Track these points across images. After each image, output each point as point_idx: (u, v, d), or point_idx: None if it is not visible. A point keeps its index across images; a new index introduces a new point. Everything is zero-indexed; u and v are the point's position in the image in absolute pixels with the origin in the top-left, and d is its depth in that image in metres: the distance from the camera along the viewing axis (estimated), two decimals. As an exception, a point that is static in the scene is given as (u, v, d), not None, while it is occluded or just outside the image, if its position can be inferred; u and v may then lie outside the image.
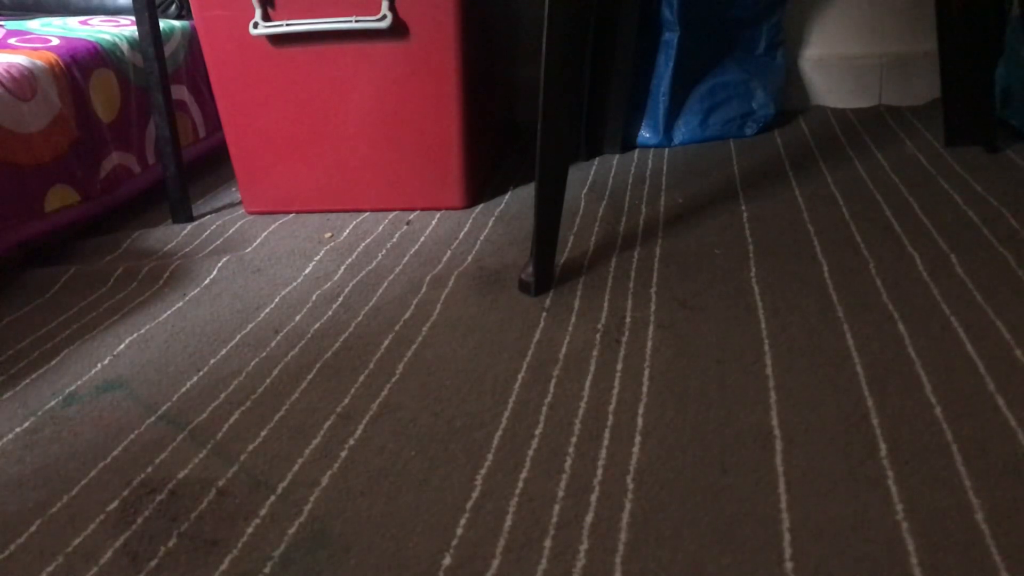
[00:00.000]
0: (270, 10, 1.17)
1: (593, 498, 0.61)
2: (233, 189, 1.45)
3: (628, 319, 0.87)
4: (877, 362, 0.75)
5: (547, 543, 0.57)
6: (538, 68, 0.87)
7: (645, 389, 0.74)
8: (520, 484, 0.64)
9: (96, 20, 1.48)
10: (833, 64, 1.64)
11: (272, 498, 0.65)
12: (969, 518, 0.56)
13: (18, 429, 0.77)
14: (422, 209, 1.27)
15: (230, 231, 1.24)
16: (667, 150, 1.48)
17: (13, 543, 0.62)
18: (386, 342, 0.87)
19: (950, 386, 0.71)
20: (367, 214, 1.27)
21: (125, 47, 1.35)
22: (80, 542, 0.62)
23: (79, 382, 0.85)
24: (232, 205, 1.36)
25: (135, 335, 0.93)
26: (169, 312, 0.98)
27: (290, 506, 0.63)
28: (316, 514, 0.62)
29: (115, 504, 0.65)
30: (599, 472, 0.64)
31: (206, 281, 1.06)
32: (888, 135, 1.43)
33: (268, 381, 0.82)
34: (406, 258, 1.09)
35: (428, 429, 0.72)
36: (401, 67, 1.18)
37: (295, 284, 1.03)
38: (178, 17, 1.56)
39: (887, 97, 1.63)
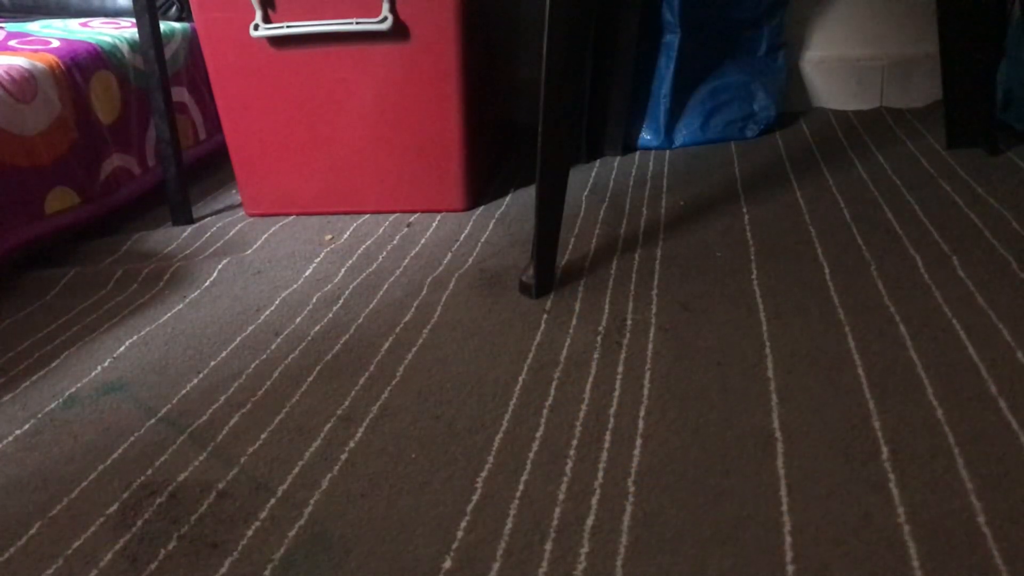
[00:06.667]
0: (270, 12, 1.17)
1: (594, 501, 0.61)
2: (233, 191, 1.45)
3: (629, 321, 0.87)
4: (878, 364, 0.75)
5: (548, 546, 0.57)
6: (539, 70, 0.87)
7: (646, 392, 0.74)
8: (521, 487, 0.63)
9: (96, 22, 1.48)
10: (834, 66, 1.64)
11: (272, 501, 0.64)
12: (971, 521, 0.56)
13: (18, 431, 0.77)
14: (423, 211, 1.27)
15: (230, 233, 1.24)
16: (668, 152, 1.48)
17: (13, 545, 0.62)
18: (386, 344, 0.87)
19: (952, 389, 0.71)
20: (367, 216, 1.27)
21: (125, 49, 1.35)
22: (80, 544, 0.61)
23: (79, 384, 0.84)
24: (232, 207, 1.36)
25: (135, 337, 0.93)
26: (169, 314, 0.98)
27: (290, 509, 0.63)
28: (316, 517, 0.62)
29: (115, 506, 0.65)
30: (600, 475, 0.64)
31: (206, 283, 1.06)
32: (889, 137, 1.43)
33: (268, 383, 0.81)
34: (406, 260, 1.09)
35: (428, 432, 0.72)
36: (402, 69, 1.18)
37: (295, 286, 1.03)
38: (178, 19, 1.56)
39: (888, 99, 1.63)
